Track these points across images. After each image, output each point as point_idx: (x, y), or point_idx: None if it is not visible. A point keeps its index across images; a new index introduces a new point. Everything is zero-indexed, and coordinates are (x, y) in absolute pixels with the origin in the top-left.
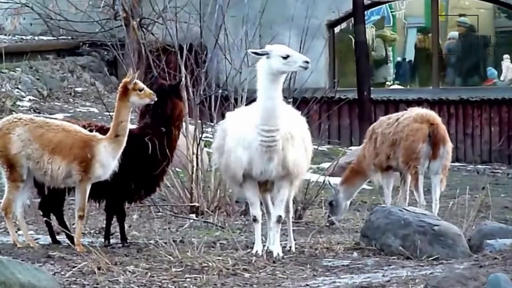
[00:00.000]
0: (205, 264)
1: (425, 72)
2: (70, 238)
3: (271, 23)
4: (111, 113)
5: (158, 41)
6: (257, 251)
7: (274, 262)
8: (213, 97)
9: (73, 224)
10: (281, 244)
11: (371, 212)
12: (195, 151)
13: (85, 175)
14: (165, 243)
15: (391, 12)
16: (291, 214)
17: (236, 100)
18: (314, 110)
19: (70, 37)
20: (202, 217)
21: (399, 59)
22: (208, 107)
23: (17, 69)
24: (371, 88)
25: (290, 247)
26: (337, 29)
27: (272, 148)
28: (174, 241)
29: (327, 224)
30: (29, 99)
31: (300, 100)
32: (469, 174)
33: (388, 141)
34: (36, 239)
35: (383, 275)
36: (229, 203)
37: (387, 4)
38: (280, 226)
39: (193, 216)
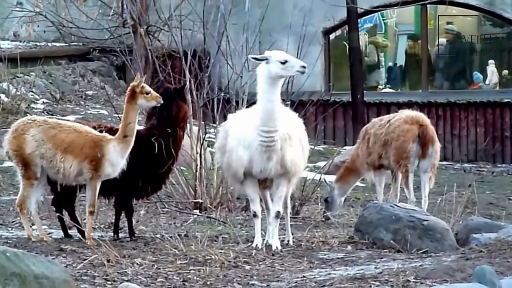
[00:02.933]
0: (208, 257)
1: (415, 76)
2: (81, 232)
3: (270, 30)
4: (119, 115)
5: (164, 47)
6: (257, 245)
7: (273, 255)
8: (215, 100)
9: (84, 219)
10: (279, 238)
11: (364, 208)
12: (198, 150)
13: (96, 173)
14: (171, 237)
15: (383, 20)
16: (289, 210)
17: (237, 102)
18: (311, 112)
19: (81, 44)
20: (205, 213)
21: (390, 64)
22: (211, 109)
23: (31, 73)
24: (364, 92)
25: (288, 241)
26: (332, 36)
27: (271, 148)
28: (179, 235)
29: (323, 219)
30: (43, 102)
31: (297, 103)
32: (456, 172)
33: (380, 141)
34: (49, 233)
35: (376, 267)
36: (230, 200)
37: (379, 13)
38: (278, 221)
39: (197, 211)
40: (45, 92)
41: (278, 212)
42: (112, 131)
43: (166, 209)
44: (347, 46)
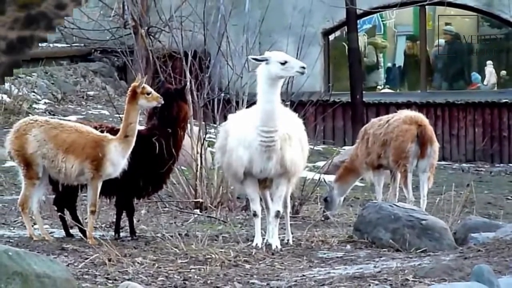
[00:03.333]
0: (209, 256)
1: (413, 77)
2: (83, 231)
3: (270, 31)
4: (121, 115)
5: (164, 48)
6: (257, 244)
7: (273, 254)
8: (216, 100)
9: (86, 218)
10: (279, 237)
11: (363, 208)
12: (199, 150)
13: (97, 173)
14: (171, 236)
15: (382, 21)
16: (289, 209)
17: (237, 103)
18: (310, 112)
19: (82, 44)
20: (206, 212)
21: (389, 64)
22: (211, 109)
23: (33, 74)
24: (363, 92)
25: (288, 240)
26: (331, 37)
27: (271, 148)
28: (179, 234)
29: (322, 219)
30: (45, 102)
31: (297, 103)
32: (455, 172)
33: (379, 141)
34: (51, 232)
35: (375, 266)
36: (231, 199)
37: (378, 14)
38: (278, 220)
39: (197, 211)
40: (46, 93)
41: (278, 211)
42: (113, 131)
43: (166, 209)
44: (347, 47)
